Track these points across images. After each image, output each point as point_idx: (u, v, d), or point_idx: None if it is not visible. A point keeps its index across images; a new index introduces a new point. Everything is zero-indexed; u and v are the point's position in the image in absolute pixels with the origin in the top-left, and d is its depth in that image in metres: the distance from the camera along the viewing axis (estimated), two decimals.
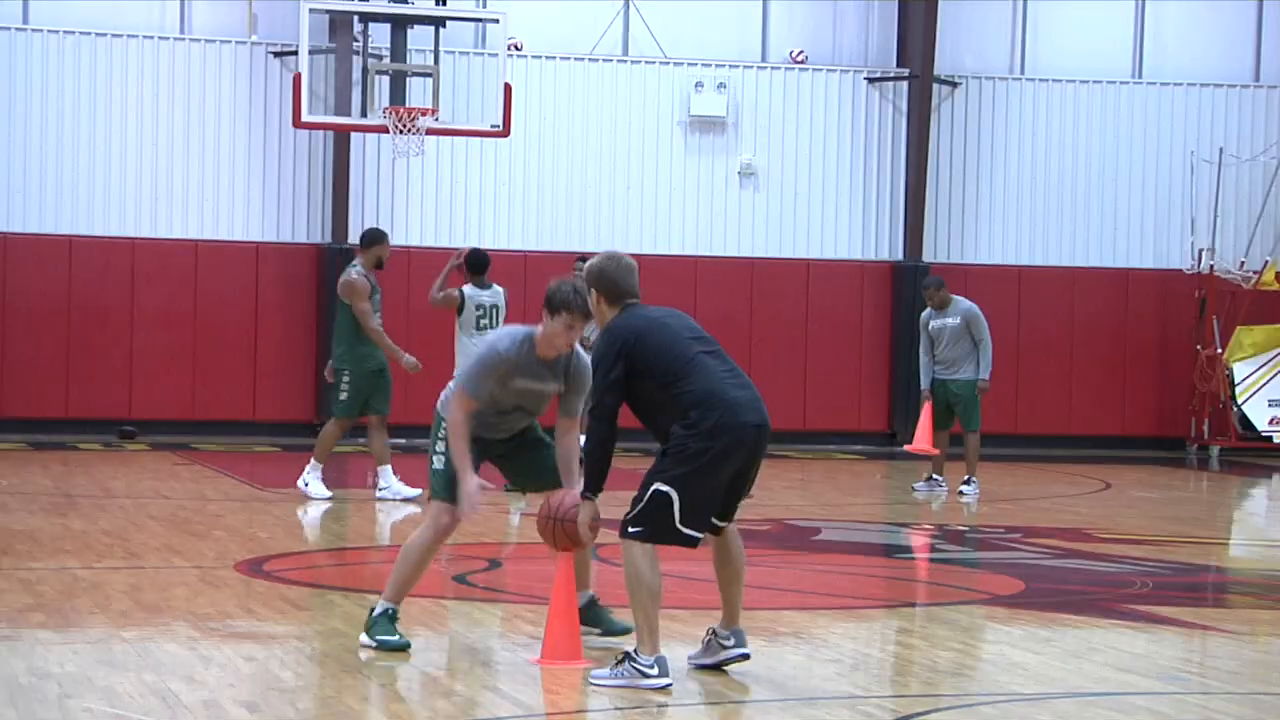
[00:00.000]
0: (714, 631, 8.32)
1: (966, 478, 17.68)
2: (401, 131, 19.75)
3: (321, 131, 22.57)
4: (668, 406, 7.91)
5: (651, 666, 7.85)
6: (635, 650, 7.90)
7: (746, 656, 8.28)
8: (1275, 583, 12.79)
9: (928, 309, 17.88)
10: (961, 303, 17.78)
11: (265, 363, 22.90)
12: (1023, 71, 24.99)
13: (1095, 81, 24.95)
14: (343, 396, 15.71)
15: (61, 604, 9.88)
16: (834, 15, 24.69)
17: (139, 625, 9.24)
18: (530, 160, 23.70)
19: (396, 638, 8.64)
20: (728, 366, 8.07)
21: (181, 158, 22.92)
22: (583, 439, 8.35)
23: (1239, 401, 24.12)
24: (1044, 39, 25.05)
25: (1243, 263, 24.49)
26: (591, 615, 8.89)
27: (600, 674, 7.97)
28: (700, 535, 7.98)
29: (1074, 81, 24.90)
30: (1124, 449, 24.21)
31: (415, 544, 8.76)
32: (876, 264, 24.41)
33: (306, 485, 15.74)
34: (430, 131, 20.02)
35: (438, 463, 8.70)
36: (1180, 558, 13.46)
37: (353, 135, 22.65)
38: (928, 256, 24.25)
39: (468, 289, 16.88)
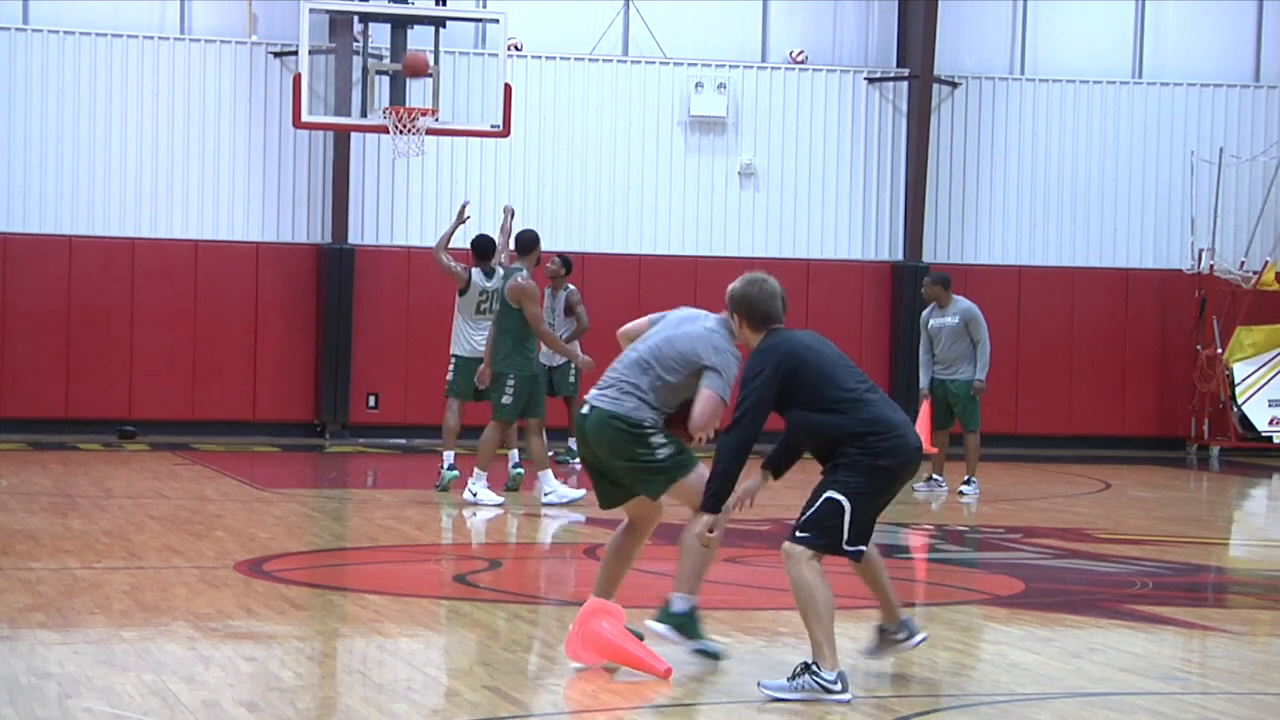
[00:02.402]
0: (882, 630, 8.43)
1: (966, 478, 17.68)
2: (401, 132, 19.75)
3: (321, 131, 22.57)
4: (829, 431, 7.94)
5: (835, 682, 7.76)
6: (815, 663, 7.78)
7: (924, 639, 8.45)
8: (1275, 583, 12.79)
9: (928, 308, 17.88)
10: (961, 302, 17.78)
11: (265, 363, 22.90)
12: (1023, 71, 24.99)
13: (1095, 81, 24.96)
14: (505, 400, 15.60)
15: (61, 604, 9.88)
16: (834, 15, 24.69)
17: (139, 625, 9.24)
18: (530, 160, 23.70)
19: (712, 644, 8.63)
20: (880, 391, 8.27)
21: (181, 158, 22.92)
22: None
23: (1239, 401, 24.12)
24: (1044, 39, 25.05)
25: (1243, 263, 24.49)
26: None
27: (776, 685, 7.79)
28: (865, 549, 8.01)
29: (1074, 81, 24.91)
30: (1124, 449, 24.22)
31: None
32: (876, 264, 24.41)
33: (475, 495, 15.58)
34: (430, 132, 20.02)
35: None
36: (1180, 558, 13.46)
37: (353, 135, 22.65)
38: (928, 256, 24.26)
39: (474, 272, 17.01)
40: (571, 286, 19.53)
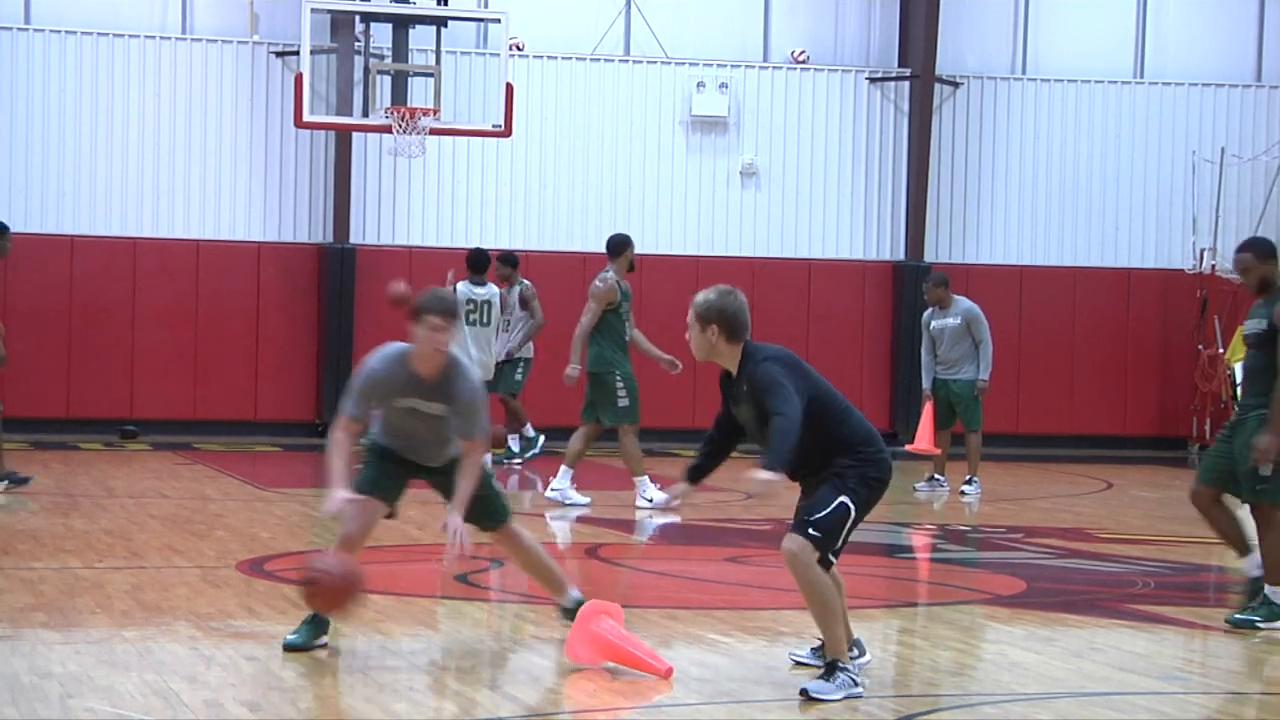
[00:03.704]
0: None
1: (968, 477, 17.68)
2: (403, 131, 19.76)
3: (323, 131, 22.57)
4: (822, 440, 7.83)
5: (857, 649, 8.08)
6: (839, 660, 7.82)
7: (870, 662, 8.37)
8: None
9: (929, 309, 17.88)
10: (962, 303, 17.78)
11: (266, 363, 22.90)
12: (1024, 71, 24.99)
13: (1097, 81, 24.95)
14: (622, 403, 15.50)
15: (63, 603, 9.88)
16: (835, 15, 24.69)
17: (140, 625, 9.24)
18: (532, 160, 23.70)
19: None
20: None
21: (183, 157, 22.92)
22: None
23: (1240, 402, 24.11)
24: (1045, 39, 25.05)
25: None
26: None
27: (821, 687, 7.76)
28: (834, 561, 7.97)
29: (1075, 81, 24.90)
30: (1125, 449, 24.21)
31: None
32: (878, 264, 24.41)
33: (651, 500, 15.34)
34: (432, 131, 20.03)
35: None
36: (1181, 558, 13.45)
37: (354, 135, 22.65)
38: (929, 256, 24.25)
39: (461, 285, 17.19)
40: (525, 282, 19.51)
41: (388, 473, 8.75)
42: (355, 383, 8.61)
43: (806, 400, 7.76)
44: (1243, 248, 10.27)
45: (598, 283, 15.68)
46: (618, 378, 15.48)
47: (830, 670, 7.81)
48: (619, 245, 16.19)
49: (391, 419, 8.69)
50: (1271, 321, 9.95)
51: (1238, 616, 9.96)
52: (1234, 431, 10.10)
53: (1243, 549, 10.20)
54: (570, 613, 8.67)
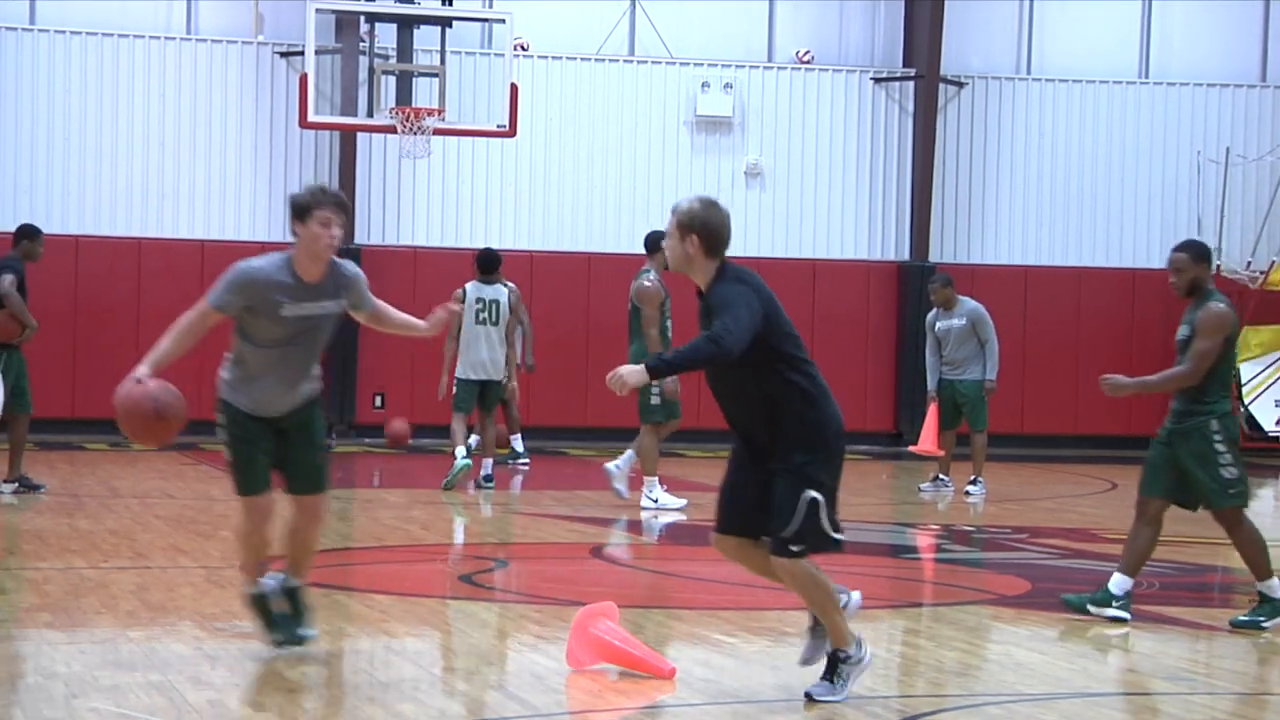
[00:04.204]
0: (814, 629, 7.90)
1: (973, 478, 17.67)
2: (408, 132, 19.77)
3: (328, 132, 22.58)
4: (784, 385, 7.38)
5: (861, 649, 7.66)
6: (839, 651, 7.61)
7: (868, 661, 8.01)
8: None
9: (933, 310, 17.87)
10: (967, 303, 17.77)
11: None
12: (1029, 71, 24.99)
13: (1102, 81, 24.95)
14: (654, 401, 15.46)
15: (68, 604, 9.89)
16: (840, 15, 24.69)
17: (145, 625, 9.24)
18: (536, 160, 23.71)
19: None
20: None
21: (188, 158, 22.94)
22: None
23: (1246, 402, 24.10)
24: (1050, 39, 25.05)
25: (1249, 263, 24.48)
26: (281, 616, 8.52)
27: (824, 690, 7.58)
28: (843, 536, 7.54)
29: (1080, 81, 24.90)
30: (1130, 449, 24.16)
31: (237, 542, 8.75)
32: (883, 264, 24.41)
33: (657, 501, 15.43)
34: (437, 132, 20.04)
35: (228, 455, 8.52)
36: (1187, 558, 13.44)
37: (359, 135, 22.66)
38: (934, 256, 24.25)
39: (470, 284, 17.16)
40: (510, 285, 18.29)
41: (253, 460, 8.46)
42: (228, 276, 8.29)
43: (766, 340, 7.33)
44: (1180, 248, 10.31)
45: (645, 283, 15.50)
46: (654, 382, 15.43)
47: (833, 667, 7.64)
48: (657, 242, 16.09)
49: (261, 346, 8.30)
50: (1194, 326, 10.00)
51: (1241, 619, 9.98)
52: (1171, 440, 10.11)
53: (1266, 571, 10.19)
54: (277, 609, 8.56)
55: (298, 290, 8.25)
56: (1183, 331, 10.17)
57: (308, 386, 8.49)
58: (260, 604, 8.52)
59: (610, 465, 15.83)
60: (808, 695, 7.63)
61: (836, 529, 7.51)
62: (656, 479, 15.54)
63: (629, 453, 15.71)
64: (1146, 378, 10.12)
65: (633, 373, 7.39)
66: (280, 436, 8.46)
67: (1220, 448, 9.96)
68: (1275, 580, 10.00)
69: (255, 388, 8.38)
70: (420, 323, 8.77)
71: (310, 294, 8.28)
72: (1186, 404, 10.05)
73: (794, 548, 7.42)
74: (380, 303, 8.70)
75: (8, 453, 15.55)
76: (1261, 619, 9.88)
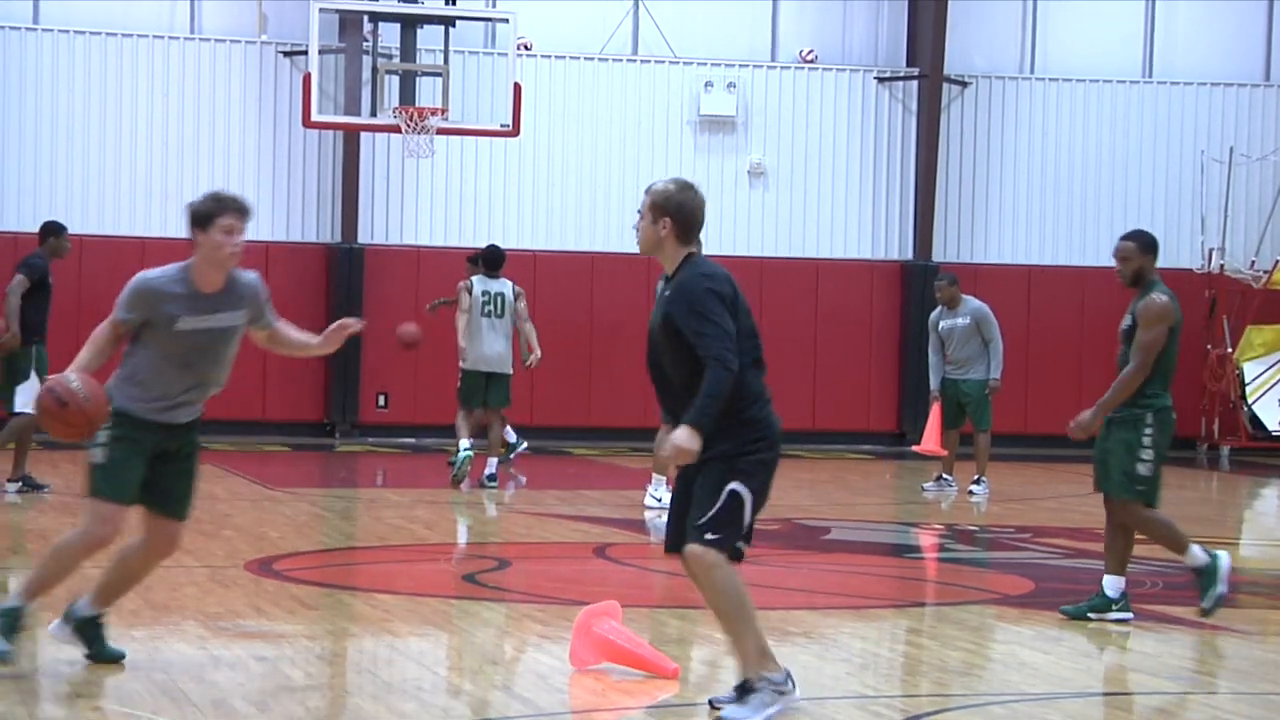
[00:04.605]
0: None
1: (976, 477, 17.67)
2: (412, 131, 19.77)
3: (331, 131, 22.59)
4: (735, 383, 6.96)
5: (785, 681, 7.04)
6: (757, 674, 7.00)
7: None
8: None
9: (937, 309, 17.86)
10: (971, 302, 17.77)
11: (275, 362, 22.87)
12: (1033, 71, 24.98)
13: (1105, 81, 24.94)
14: None
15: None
16: (844, 15, 24.69)
17: (149, 624, 9.25)
18: (540, 160, 23.71)
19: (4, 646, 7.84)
20: None
21: (191, 157, 22.95)
22: None
23: (1249, 401, 24.10)
24: (1054, 38, 25.04)
25: (1253, 262, 24.47)
26: (92, 631, 8.10)
27: (737, 714, 6.99)
28: (746, 550, 7.17)
29: (1084, 81, 24.90)
30: None
31: (65, 546, 8.11)
32: (886, 263, 24.40)
33: (660, 500, 15.23)
34: (440, 131, 20.05)
35: (100, 456, 7.87)
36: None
37: (363, 135, 22.67)
38: (937, 256, 24.24)
39: (476, 279, 17.20)
40: (519, 289, 17.93)
41: (129, 467, 7.86)
42: (129, 286, 7.85)
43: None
44: (1128, 237, 10.33)
45: None
46: None
47: (743, 692, 7.02)
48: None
49: (162, 357, 7.86)
50: (1136, 316, 9.99)
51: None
52: (1108, 431, 10.11)
53: (1181, 546, 10.18)
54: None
55: (194, 301, 7.85)
56: (1127, 321, 10.16)
57: (201, 404, 8.13)
58: (89, 626, 8.10)
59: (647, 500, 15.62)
60: (721, 716, 7.09)
61: (748, 538, 7.09)
62: (665, 479, 15.53)
63: (655, 477, 15.60)
64: (1102, 399, 10.02)
65: (691, 440, 6.88)
66: (160, 458, 7.99)
67: (1146, 441, 9.94)
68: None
69: (149, 394, 7.90)
70: (315, 339, 8.40)
71: (208, 305, 7.87)
72: (1129, 397, 10.04)
73: (708, 535, 6.95)
74: (280, 322, 8.26)
75: (12, 452, 15.54)
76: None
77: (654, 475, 15.47)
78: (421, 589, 11.12)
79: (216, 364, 8.10)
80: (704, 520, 6.95)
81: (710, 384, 6.90)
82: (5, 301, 15.20)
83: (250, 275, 8.07)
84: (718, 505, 6.95)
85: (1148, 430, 9.91)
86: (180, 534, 8.23)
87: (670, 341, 7.05)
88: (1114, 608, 9.97)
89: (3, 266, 21.06)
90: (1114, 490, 10.01)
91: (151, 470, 7.96)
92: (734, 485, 6.96)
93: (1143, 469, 9.91)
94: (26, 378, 15.03)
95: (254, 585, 10.68)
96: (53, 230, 15.89)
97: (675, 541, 7.21)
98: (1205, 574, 9.95)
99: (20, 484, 15.49)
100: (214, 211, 7.78)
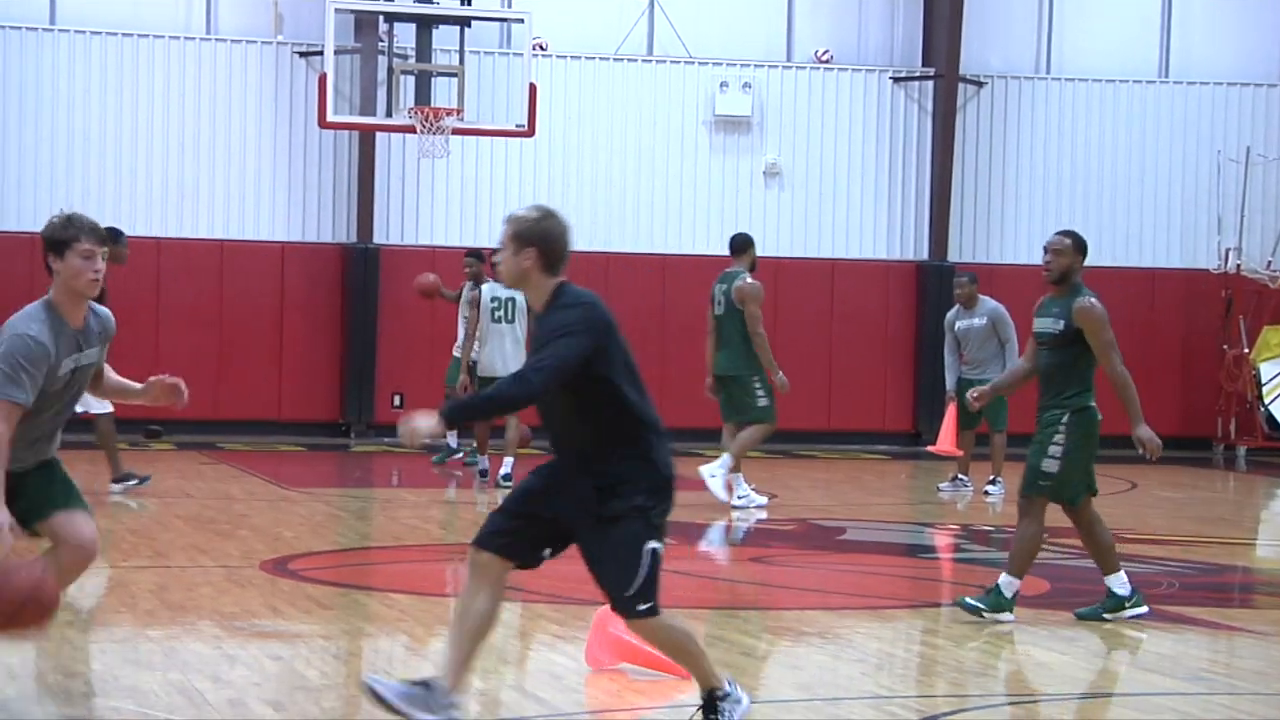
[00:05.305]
0: (428, 684, 6.78)
1: (992, 477, 17.64)
2: (427, 131, 19.78)
3: (347, 131, 22.60)
4: (619, 422, 6.60)
5: (738, 691, 6.83)
6: (713, 691, 6.80)
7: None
8: None
9: (953, 309, 17.84)
10: (987, 303, 17.74)
11: (290, 362, 22.94)
12: (1049, 70, 24.94)
13: (1121, 80, 24.90)
14: (762, 402, 15.46)
15: (88, 603, 9.91)
16: (859, 14, 24.67)
17: (165, 624, 9.26)
18: (555, 160, 23.71)
19: None
20: None
21: (207, 157, 22.98)
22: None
23: (1265, 401, 24.05)
24: (1070, 38, 25.00)
25: (1270, 262, 24.42)
26: None
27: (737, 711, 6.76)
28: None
29: (1100, 80, 24.85)
30: None
31: None
32: (902, 264, 24.37)
33: (742, 498, 15.50)
34: (455, 131, 20.05)
35: None
36: (1206, 558, 13.42)
37: (378, 135, 22.68)
38: (953, 256, 24.21)
39: (486, 284, 17.19)
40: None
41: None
42: (23, 355, 6.90)
43: (596, 372, 6.54)
44: (1066, 233, 10.32)
45: (750, 283, 15.53)
46: (755, 378, 15.47)
47: (712, 706, 6.77)
48: (746, 243, 16.08)
49: (37, 409, 7.06)
50: (1070, 321, 9.94)
51: (969, 600, 9.88)
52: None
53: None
54: None
55: (71, 341, 7.15)
56: (1046, 324, 10.06)
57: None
58: None
59: (736, 502, 15.57)
60: None
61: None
62: (742, 475, 15.60)
63: (725, 456, 15.60)
64: (1133, 411, 9.89)
65: (426, 421, 6.43)
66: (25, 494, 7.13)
67: (1058, 438, 9.90)
68: (1019, 581, 9.88)
69: (17, 451, 7.04)
70: (137, 386, 7.68)
71: (78, 342, 7.19)
72: (1050, 399, 10.02)
73: (640, 607, 6.60)
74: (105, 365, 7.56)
75: (106, 456, 15.54)
76: (982, 607, 9.80)
77: (733, 474, 15.51)
78: (437, 589, 11.13)
79: (73, 407, 7.32)
80: (634, 591, 6.58)
81: (495, 389, 6.62)
82: None
83: (106, 310, 7.46)
84: (644, 571, 6.57)
85: (1061, 428, 9.88)
86: (92, 524, 7.27)
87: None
88: (1127, 605, 9.95)
89: (19, 267, 21.16)
90: (1022, 486, 10.02)
91: (22, 495, 7.09)
92: (653, 544, 6.61)
93: (1049, 465, 9.88)
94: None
95: (270, 585, 10.69)
96: (111, 236, 15.89)
97: (496, 544, 6.82)
98: (996, 594, 9.83)
99: (125, 482, 15.50)
100: (69, 236, 7.12)
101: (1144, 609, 9.94)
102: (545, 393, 6.49)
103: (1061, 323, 9.89)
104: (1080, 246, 10.11)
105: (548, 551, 6.89)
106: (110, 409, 14.97)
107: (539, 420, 6.86)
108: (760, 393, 15.43)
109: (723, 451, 15.59)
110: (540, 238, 6.73)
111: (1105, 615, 9.93)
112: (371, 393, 23.08)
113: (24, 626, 6.86)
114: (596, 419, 6.58)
